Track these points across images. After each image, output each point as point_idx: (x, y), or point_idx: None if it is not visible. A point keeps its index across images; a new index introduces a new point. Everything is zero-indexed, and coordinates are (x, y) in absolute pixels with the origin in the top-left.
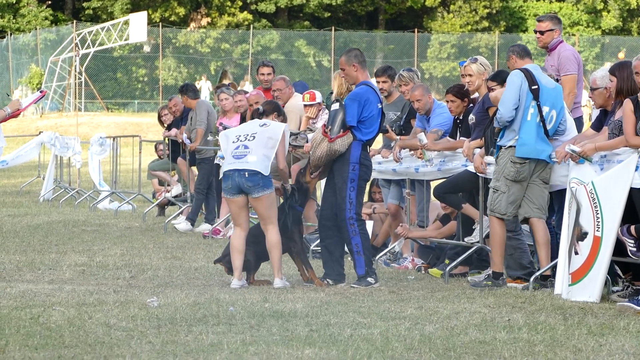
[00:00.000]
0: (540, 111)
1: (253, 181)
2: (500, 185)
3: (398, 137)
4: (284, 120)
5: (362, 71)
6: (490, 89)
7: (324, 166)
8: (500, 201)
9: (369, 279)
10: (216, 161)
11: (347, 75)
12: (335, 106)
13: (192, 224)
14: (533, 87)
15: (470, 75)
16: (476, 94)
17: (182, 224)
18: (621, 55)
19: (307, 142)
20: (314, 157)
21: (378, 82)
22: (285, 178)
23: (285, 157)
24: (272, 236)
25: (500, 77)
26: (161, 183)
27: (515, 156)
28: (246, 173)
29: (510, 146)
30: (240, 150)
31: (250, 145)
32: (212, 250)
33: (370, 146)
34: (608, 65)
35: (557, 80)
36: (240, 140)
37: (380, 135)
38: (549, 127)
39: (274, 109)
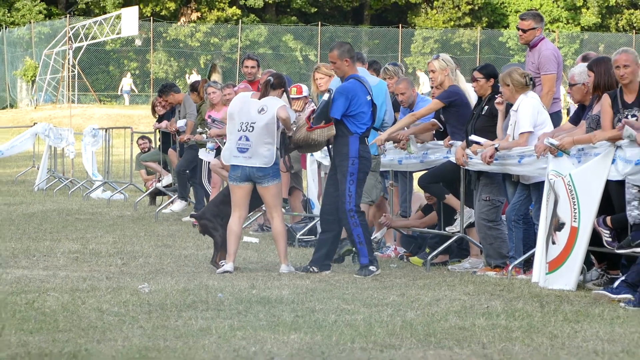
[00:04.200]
0: None
1: (263, 172)
2: None
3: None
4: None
5: (352, 66)
6: (475, 79)
7: (301, 149)
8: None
9: (371, 267)
10: (201, 155)
11: (338, 68)
12: (326, 97)
13: (186, 200)
14: None
15: (433, 71)
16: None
17: (176, 204)
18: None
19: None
20: (294, 137)
21: None
22: (288, 127)
23: (286, 111)
24: (278, 225)
25: (486, 70)
26: (149, 173)
27: None
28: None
29: None
30: (242, 142)
31: (251, 138)
32: (201, 239)
33: (367, 137)
34: (580, 58)
35: (535, 78)
36: (243, 130)
37: None
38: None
39: (282, 85)
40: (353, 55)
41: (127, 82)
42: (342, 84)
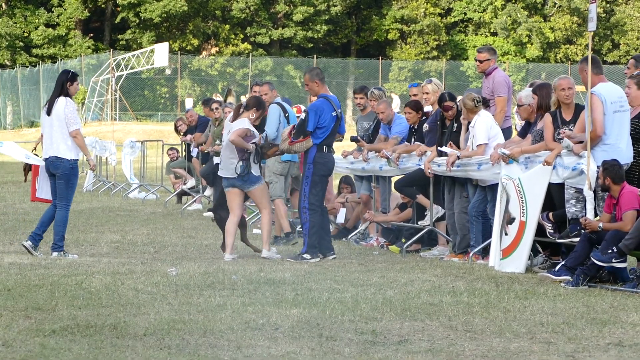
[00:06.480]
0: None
1: (241, 180)
2: (272, 177)
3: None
4: (263, 112)
5: (322, 86)
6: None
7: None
8: (276, 189)
9: (305, 255)
10: (216, 160)
11: (310, 89)
12: (302, 115)
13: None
14: None
15: (427, 93)
16: (429, 108)
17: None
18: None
19: None
20: (280, 147)
21: (356, 98)
22: (240, 146)
23: (237, 135)
24: (264, 218)
25: (451, 95)
26: (177, 177)
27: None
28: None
29: None
30: (219, 158)
31: (223, 154)
32: (218, 231)
33: (326, 146)
34: (528, 85)
35: (490, 100)
36: (223, 148)
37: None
38: None
39: (254, 104)
40: (322, 77)
41: (189, 101)
42: (313, 102)
